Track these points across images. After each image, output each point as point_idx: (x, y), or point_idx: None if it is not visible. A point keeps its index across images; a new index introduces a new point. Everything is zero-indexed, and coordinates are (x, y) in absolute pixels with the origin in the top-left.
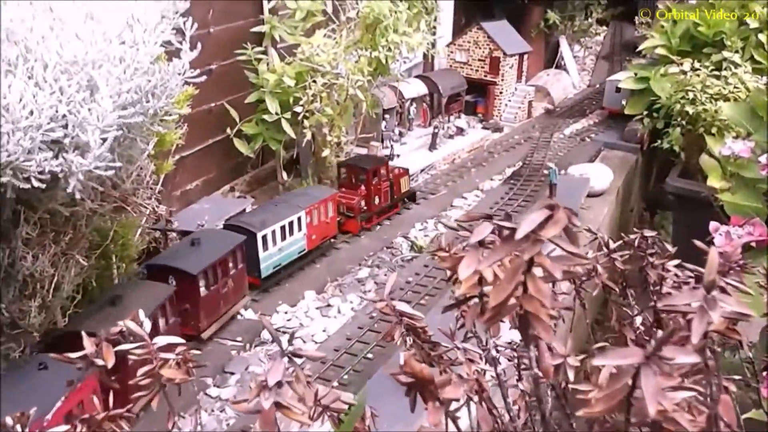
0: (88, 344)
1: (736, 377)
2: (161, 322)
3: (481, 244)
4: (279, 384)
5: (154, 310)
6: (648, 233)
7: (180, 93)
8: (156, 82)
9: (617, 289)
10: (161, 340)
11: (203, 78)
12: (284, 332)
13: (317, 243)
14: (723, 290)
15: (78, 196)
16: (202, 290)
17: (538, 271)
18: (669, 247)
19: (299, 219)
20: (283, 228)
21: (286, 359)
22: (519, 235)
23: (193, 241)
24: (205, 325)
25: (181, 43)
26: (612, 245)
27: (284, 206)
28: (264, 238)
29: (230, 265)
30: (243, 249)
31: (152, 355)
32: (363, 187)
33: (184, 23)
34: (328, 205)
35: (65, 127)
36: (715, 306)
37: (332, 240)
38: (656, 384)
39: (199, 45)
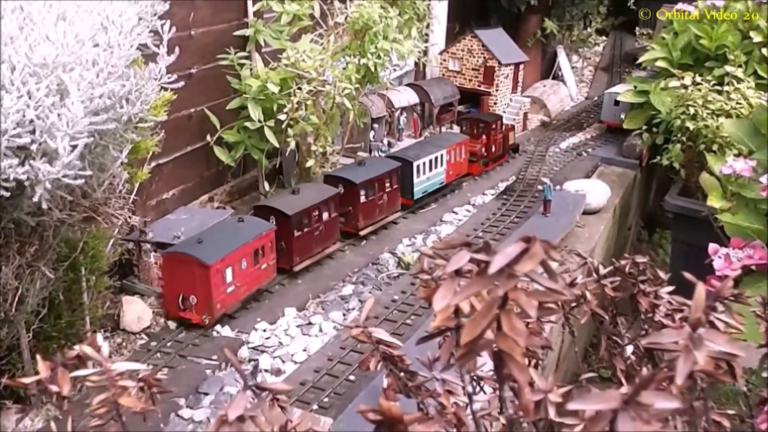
0: (43, 369)
1: (730, 411)
2: (325, 215)
3: (459, 273)
4: (241, 418)
5: (320, 203)
6: (639, 259)
7: (157, 98)
8: (131, 87)
9: (607, 317)
10: (121, 366)
11: (180, 83)
12: (262, 351)
13: (452, 178)
14: (712, 325)
15: (45, 205)
16: (362, 198)
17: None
18: (662, 274)
19: (442, 156)
20: (431, 161)
21: (249, 392)
22: (492, 269)
23: (360, 162)
24: (362, 225)
25: (158, 46)
26: (602, 271)
27: (430, 145)
28: (418, 167)
29: (387, 183)
30: (397, 173)
31: (111, 382)
32: (483, 137)
33: (162, 26)
34: (462, 148)
35: (33, 132)
36: (701, 345)
37: (462, 178)
38: (634, 429)
39: (177, 49)
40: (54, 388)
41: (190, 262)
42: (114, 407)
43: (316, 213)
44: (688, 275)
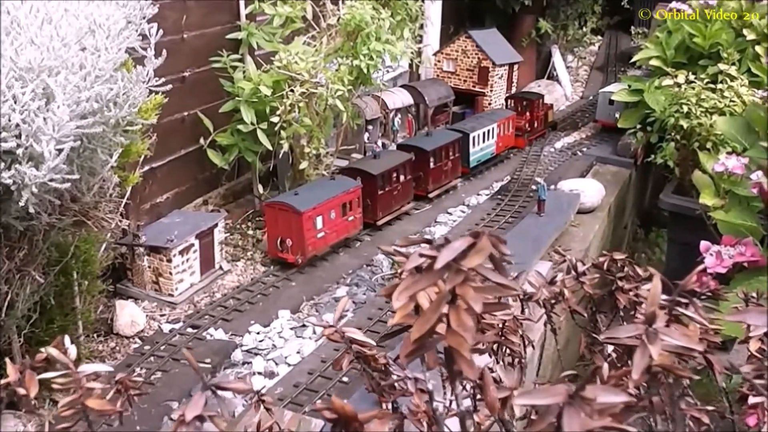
0: (12, 372)
1: (710, 408)
2: (401, 177)
3: (419, 270)
4: (200, 418)
5: (396, 166)
6: (618, 256)
7: (148, 102)
8: (118, 90)
9: (586, 315)
10: (89, 368)
11: (168, 86)
12: (256, 354)
13: (501, 150)
14: (677, 320)
15: (32, 209)
16: (432, 163)
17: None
18: (640, 270)
19: (493, 129)
20: (484, 133)
21: (208, 392)
22: (438, 264)
23: (427, 133)
24: (431, 188)
25: (146, 49)
26: (581, 268)
27: (483, 120)
28: (474, 138)
29: (450, 151)
30: (459, 143)
31: (77, 384)
32: (527, 114)
33: (150, 29)
34: (510, 123)
35: (18, 137)
36: (656, 340)
37: (511, 149)
38: (581, 425)
39: (165, 53)
40: (22, 391)
41: (287, 210)
42: (81, 409)
43: (395, 175)
44: (654, 270)
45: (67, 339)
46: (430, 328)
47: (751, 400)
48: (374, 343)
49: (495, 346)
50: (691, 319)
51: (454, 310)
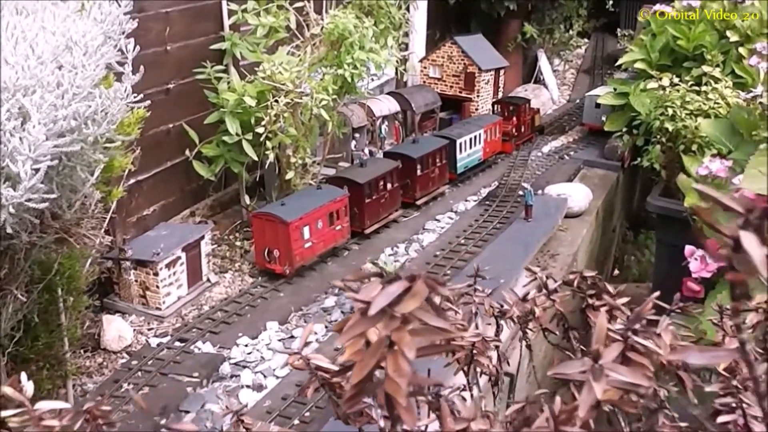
0: None
1: (683, 424)
2: (389, 185)
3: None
4: None
5: (383, 174)
6: (587, 273)
7: (129, 116)
8: (96, 107)
9: (557, 333)
10: (44, 405)
11: (147, 102)
12: (244, 366)
13: (488, 155)
14: (634, 349)
15: (9, 229)
16: (419, 171)
17: None
18: (610, 288)
19: (480, 134)
20: (470, 139)
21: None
22: (372, 311)
23: (414, 140)
24: (419, 195)
25: (122, 65)
26: (552, 285)
27: (469, 125)
28: (461, 144)
29: (437, 158)
30: (446, 149)
31: (34, 423)
32: (514, 119)
33: (126, 45)
34: (497, 128)
35: None
36: (600, 377)
37: (499, 154)
38: None
39: (142, 68)
40: None
41: (274, 220)
42: None
43: (382, 183)
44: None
45: (23, 376)
46: (369, 373)
47: (721, 418)
48: (337, 368)
49: (468, 365)
50: (646, 348)
51: (392, 356)
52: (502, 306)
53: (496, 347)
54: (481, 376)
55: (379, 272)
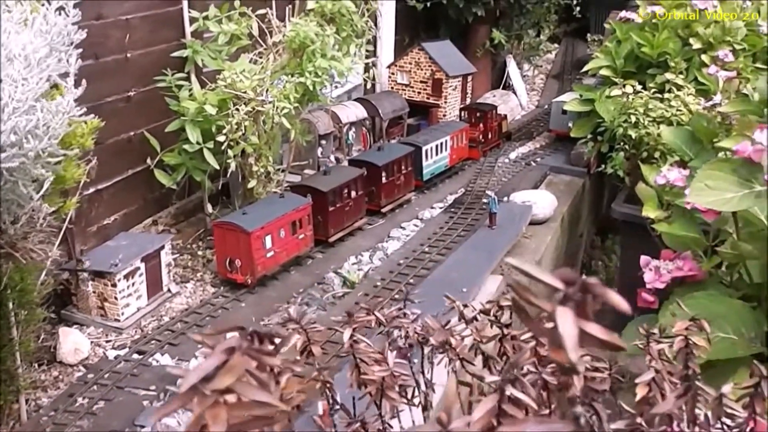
0: None
1: None
2: (353, 193)
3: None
4: None
5: (347, 182)
6: (503, 302)
7: (82, 127)
8: (37, 122)
9: (474, 363)
10: None
11: (91, 116)
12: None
13: (455, 162)
14: (511, 400)
15: None
16: (384, 178)
17: None
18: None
19: (446, 141)
20: (437, 146)
21: None
22: (183, 388)
23: (379, 147)
24: (384, 203)
25: (65, 79)
26: (470, 314)
27: (436, 132)
28: (426, 151)
29: (403, 165)
30: (412, 156)
31: None
32: (481, 125)
33: (68, 58)
34: (463, 134)
35: None
36: None
37: (463, 161)
38: None
39: (84, 82)
40: None
41: (235, 229)
42: None
43: (347, 191)
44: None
45: None
46: None
47: None
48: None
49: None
50: (524, 402)
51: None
52: (427, 332)
53: (421, 375)
54: (399, 405)
55: (241, 326)
